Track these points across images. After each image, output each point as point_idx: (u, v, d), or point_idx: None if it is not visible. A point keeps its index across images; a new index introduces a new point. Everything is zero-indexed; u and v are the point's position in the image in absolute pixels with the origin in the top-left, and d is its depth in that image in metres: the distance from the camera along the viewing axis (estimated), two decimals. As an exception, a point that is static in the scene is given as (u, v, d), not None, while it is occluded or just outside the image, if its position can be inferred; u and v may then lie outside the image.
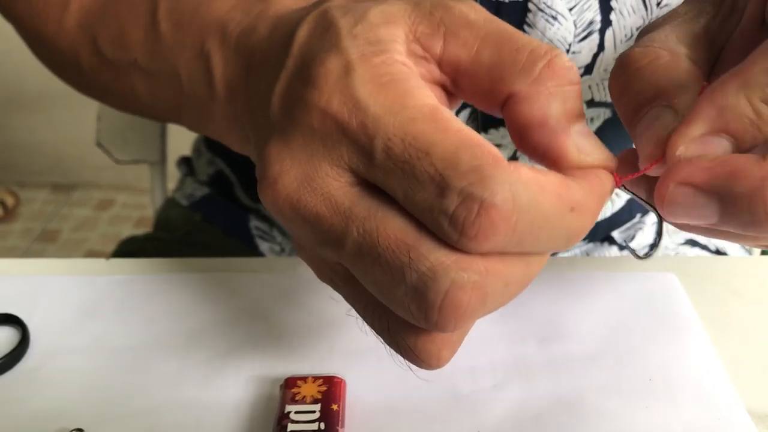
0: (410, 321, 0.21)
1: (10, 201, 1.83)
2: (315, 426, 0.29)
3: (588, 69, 0.41)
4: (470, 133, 0.21)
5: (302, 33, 0.24)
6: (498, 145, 0.43)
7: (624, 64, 0.25)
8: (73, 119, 1.64)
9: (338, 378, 0.32)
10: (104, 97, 0.40)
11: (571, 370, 0.33)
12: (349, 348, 0.35)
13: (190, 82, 0.32)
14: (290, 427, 0.29)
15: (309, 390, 0.31)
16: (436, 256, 0.20)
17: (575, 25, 0.39)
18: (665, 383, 0.32)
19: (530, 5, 0.38)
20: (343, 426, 0.30)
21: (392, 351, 0.23)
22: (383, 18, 0.23)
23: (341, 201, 0.22)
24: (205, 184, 0.61)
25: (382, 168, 0.21)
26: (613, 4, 0.39)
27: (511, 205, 0.19)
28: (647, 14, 0.39)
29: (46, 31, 0.39)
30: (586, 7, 0.39)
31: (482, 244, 0.20)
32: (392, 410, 0.32)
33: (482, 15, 0.23)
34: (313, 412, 0.30)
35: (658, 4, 0.39)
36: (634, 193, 0.25)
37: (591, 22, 0.39)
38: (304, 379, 0.32)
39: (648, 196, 0.25)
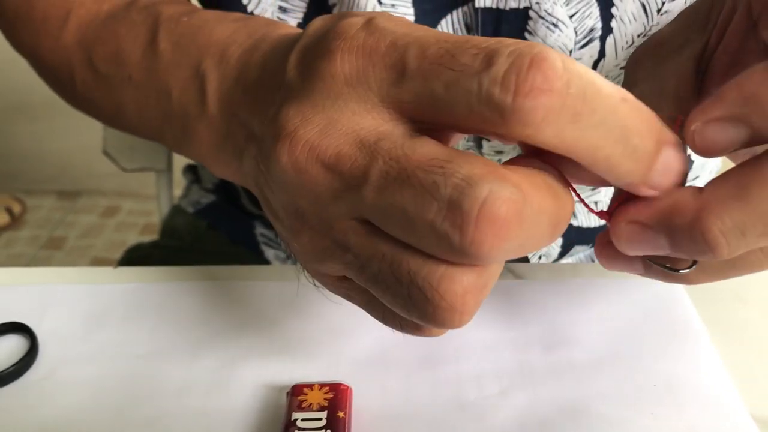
0: (439, 253, 0.20)
1: (16, 208, 1.84)
2: (321, 433, 0.29)
3: None
4: None
5: (317, 23, 0.25)
6: (499, 152, 0.43)
7: None
8: (78, 127, 1.65)
9: (344, 385, 0.32)
10: (91, 110, 0.41)
11: (576, 377, 0.33)
12: (355, 355, 0.35)
13: (181, 100, 0.32)
14: (297, 434, 0.29)
15: (315, 397, 0.31)
16: (471, 167, 0.19)
17: (576, 33, 0.39)
18: (670, 389, 0.32)
19: (531, 13, 0.38)
20: (349, 433, 0.30)
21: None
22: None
23: (367, 136, 0.21)
24: (211, 192, 0.61)
25: (416, 76, 0.20)
26: (613, 11, 0.39)
27: (561, 63, 0.18)
28: (648, 21, 0.39)
29: (42, 46, 0.40)
30: (586, 14, 0.39)
31: (538, 100, 0.18)
32: (398, 417, 0.32)
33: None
34: (320, 419, 0.30)
35: (659, 11, 0.39)
36: None
37: (592, 30, 0.39)
38: (310, 386, 0.32)
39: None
